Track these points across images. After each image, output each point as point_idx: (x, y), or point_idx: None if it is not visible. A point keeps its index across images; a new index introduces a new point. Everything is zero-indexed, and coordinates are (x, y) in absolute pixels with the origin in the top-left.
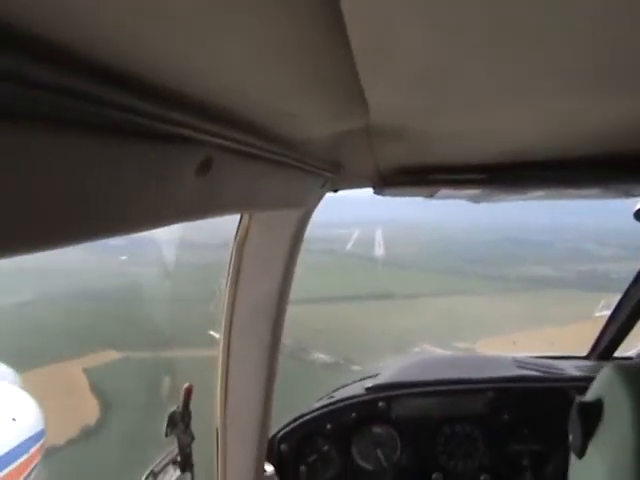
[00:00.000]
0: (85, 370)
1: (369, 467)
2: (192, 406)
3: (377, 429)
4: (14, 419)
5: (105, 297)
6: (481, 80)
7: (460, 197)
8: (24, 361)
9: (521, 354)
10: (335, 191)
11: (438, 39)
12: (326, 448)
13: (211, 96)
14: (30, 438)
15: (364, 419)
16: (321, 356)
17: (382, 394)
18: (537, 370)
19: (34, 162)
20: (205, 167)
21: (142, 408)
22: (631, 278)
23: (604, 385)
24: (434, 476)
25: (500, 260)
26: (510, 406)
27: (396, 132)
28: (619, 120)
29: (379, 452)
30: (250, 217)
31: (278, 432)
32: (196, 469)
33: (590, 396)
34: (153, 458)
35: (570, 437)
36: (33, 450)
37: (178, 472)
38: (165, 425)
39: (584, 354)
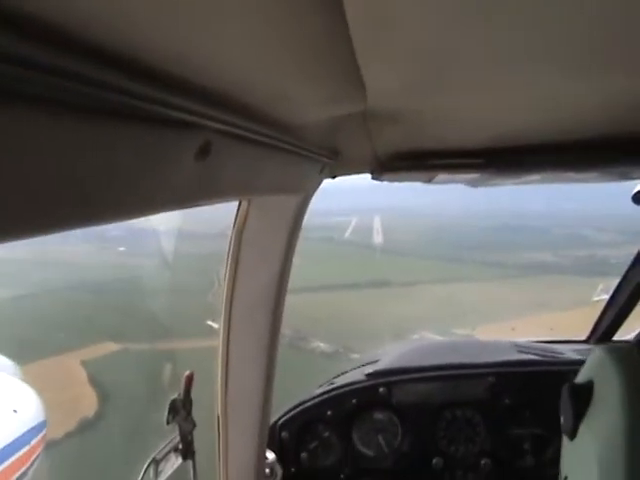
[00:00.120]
0: (83, 362)
1: (370, 453)
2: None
3: (378, 415)
4: (15, 411)
5: (104, 289)
6: (477, 60)
7: (458, 182)
8: (23, 353)
9: (521, 339)
10: (333, 177)
11: (434, 20)
12: (327, 434)
13: (210, 79)
14: (31, 429)
15: (365, 405)
16: (320, 345)
17: (382, 380)
18: (537, 354)
19: (27, 144)
20: (204, 151)
21: (140, 399)
22: (629, 262)
23: (595, 367)
24: (435, 461)
25: (498, 247)
26: (511, 390)
27: (393, 116)
28: (615, 102)
29: (380, 438)
30: (249, 204)
31: (279, 419)
32: (197, 456)
33: (581, 378)
34: (151, 449)
35: (562, 419)
36: (34, 441)
37: (180, 459)
38: (166, 413)
39: (583, 338)
